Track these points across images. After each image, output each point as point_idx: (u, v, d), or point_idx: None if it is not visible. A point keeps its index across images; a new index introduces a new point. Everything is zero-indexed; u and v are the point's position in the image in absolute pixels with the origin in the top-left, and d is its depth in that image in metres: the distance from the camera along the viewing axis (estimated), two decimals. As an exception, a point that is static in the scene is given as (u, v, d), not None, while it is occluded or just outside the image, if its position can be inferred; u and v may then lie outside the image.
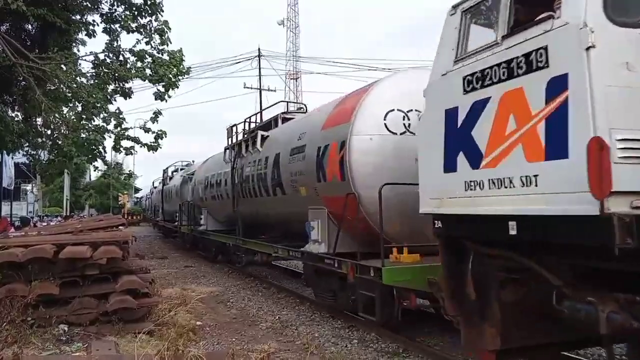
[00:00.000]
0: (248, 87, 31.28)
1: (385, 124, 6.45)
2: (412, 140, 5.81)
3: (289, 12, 47.66)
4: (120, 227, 8.57)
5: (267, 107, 12.56)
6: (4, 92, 11.88)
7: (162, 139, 11.33)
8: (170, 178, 24.49)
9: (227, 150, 12.69)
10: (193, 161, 23.22)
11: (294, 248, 8.39)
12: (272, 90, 32.96)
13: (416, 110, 6.16)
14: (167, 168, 25.80)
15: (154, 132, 11.19)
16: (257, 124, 11.66)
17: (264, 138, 10.26)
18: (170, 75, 10.58)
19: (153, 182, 33.74)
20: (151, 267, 9.93)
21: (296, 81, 46.31)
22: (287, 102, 11.98)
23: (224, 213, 13.48)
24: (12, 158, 19.10)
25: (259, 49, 29.85)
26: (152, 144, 11.29)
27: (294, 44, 46.66)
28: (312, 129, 8.05)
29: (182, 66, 10.84)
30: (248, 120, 12.14)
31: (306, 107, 11.42)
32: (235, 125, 12.67)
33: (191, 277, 12.28)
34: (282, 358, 5.63)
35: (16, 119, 12.40)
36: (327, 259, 6.98)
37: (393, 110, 6.48)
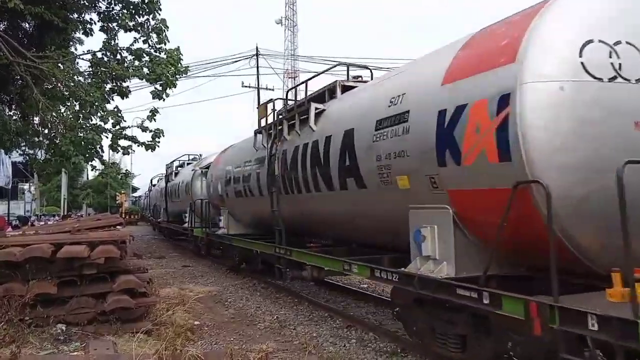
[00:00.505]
0: (246, 86, 31.23)
1: (582, 63, 3.81)
2: (627, 90, 3.80)
3: (287, 11, 47.67)
4: (117, 227, 8.55)
5: (320, 73, 8.91)
6: (1, 91, 11.87)
7: (159, 138, 11.31)
8: (176, 174, 22.07)
9: (259, 135, 9.81)
10: (200, 155, 21.35)
11: (385, 268, 5.60)
12: (270, 89, 32.92)
13: (628, 42, 3.93)
14: (171, 163, 23.62)
15: (151, 131, 11.18)
16: (307, 95, 8.30)
17: (318, 113, 7.57)
18: (168, 74, 10.57)
19: (151, 180, 33.09)
20: (149, 266, 9.92)
21: (294, 80, 46.31)
22: (348, 64, 8.49)
23: (253, 213, 11.08)
24: (10, 157, 19.05)
25: (256, 48, 29.81)
26: (150, 142, 11.28)
27: (292, 42, 46.68)
28: (418, 87, 5.29)
29: (179, 65, 10.82)
30: (291, 93, 9.30)
31: (372, 72, 8.30)
32: (271, 100, 9.44)
33: (189, 276, 12.26)
34: (281, 358, 5.62)
35: (13, 117, 12.37)
36: (464, 289, 4.24)
37: (592, 41, 3.89)
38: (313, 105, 7.58)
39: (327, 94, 7.96)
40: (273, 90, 33.41)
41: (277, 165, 8.58)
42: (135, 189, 60.38)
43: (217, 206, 13.58)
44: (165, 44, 10.88)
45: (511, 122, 3.84)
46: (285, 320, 7.49)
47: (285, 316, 7.77)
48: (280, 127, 8.66)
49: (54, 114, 10.53)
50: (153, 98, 10.95)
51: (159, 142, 11.36)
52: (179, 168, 22.49)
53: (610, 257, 3.48)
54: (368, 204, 6.16)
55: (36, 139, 12.32)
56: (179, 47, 10.93)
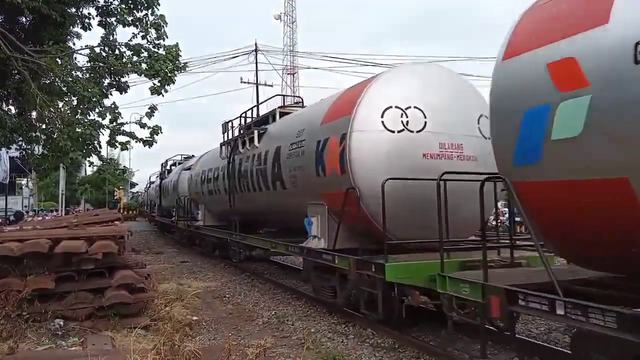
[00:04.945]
0: (245, 82, 31.18)
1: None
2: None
3: (286, 7, 47.51)
4: (115, 222, 8.53)
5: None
6: (-1, 86, 11.79)
7: (157, 135, 11.27)
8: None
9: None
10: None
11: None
12: (269, 85, 32.89)
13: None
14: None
15: (149, 128, 11.14)
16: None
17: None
18: (167, 70, 10.52)
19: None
20: (147, 262, 9.92)
21: (293, 76, 46.24)
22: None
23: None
24: (7, 152, 18.98)
25: (255, 44, 29.74)
26: (148, 139, 11.24)
27: (291, 38, 46.55)
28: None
29: (178, 61, 10.77)
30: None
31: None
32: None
33: (187, 272, 12.27)
34: (279, 353, 5.63)
35: (9, 113, 12.30)
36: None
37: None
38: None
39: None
40: (272, 86, 33.44)
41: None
42: (133, 185, 60.33)
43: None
44: (164, 40, 10.83)
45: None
46: (284, 315, 7.51)
47: (284, 312, 7.78)
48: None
49: (51, 109, 10.48)
50: (152, 94, 10.90)
51: (156, 139, 11.32)
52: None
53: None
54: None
55: (33, 134, 12.27)
56: (177, 43, 10.87)
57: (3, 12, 10.58)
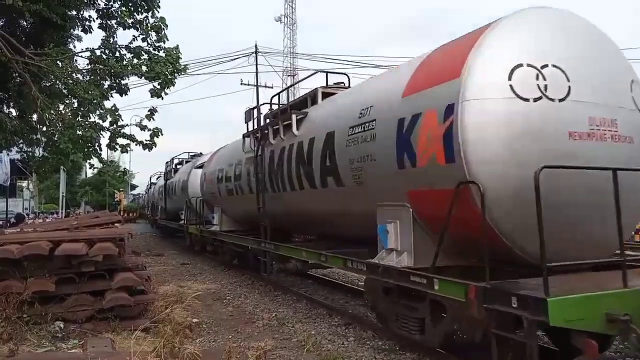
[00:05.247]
0: (245, 84, 31.21)
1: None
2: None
3: (287, 9, 47.59)
4: (116, 224, 8.55)
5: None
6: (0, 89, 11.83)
7: (157, 137, 11.28)
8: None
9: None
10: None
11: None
12: (269, 87, 32.92)
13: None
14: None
15: (149, 130, 11.16)
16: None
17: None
18: (167, 73, 10.55)
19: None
20: (147, 264, 9.93)
21: (293, 78, 46.25)
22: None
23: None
24: (8, 154, 19.01)
25: (255, 45, 29.80)
26: (148, 142, 11.25)
27: (291, 40, 46.61)
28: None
29: (178, 64, 10.80)
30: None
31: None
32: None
33: (187, 274, 12.27)
34: (279, 355, 5.63)
35: (10, 115, 12.34)
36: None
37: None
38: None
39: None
40: (272, 87, 33.45)
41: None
42: (134, 187, 60.38)
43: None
44: (164, 42, 10.86)
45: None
46: (284, 317, 7.50)
47: (284, 314, 7.78)
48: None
49: (52, 111, 10.51)
50: (152, 96, 10.93)
51: (156, 141, 11.34)
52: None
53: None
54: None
55: (34, 137, 12.30)
56: (177, 45, 10.91)
57: (4, 15, 10.61)
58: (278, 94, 9.82)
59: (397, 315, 5.55)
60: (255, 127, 10.17)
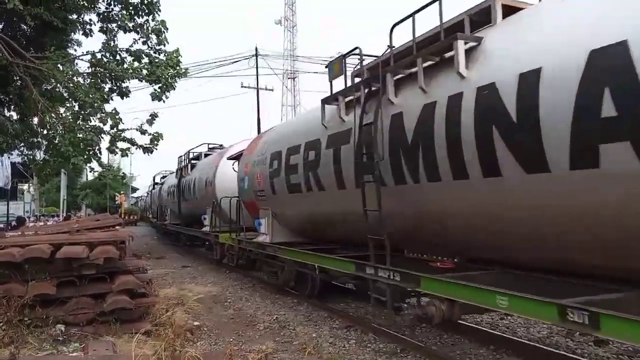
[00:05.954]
0: (245, 87, 31.23)
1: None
2: None
3: (287, 11, 47.64)
4: (116, 227, 8.55)
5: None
6: (0, 92, 11.85)
7: (158, 142, 11.30)
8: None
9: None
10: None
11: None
12: (269, 90, 32.96)
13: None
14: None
15: (150, 134, 11.17)
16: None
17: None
18: (167, 76, 10.57)
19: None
20: (148, 267, 9.90)
21: (293, 80, 46.32)
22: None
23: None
24: (9, 157, 19.04)
25: (256, 48, 29.83)
26: (148, 146, 11.26)
27: (292, 43, 46.65)
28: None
29: (179, 67, 10.82)
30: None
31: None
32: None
33: (188, 277, 12.26)
34: (280, 358, 5.63)
35: (11, 119, 12.37)
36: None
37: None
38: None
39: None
40: (273, 90, 33.50)
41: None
42: (134, 189, 60.40)
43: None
44: (165, 45, 10.88)
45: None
46: (285, 320, 7.50)
47: (285, 317, 7.77)
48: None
49: (53, 114, 10.53)
50: (152, 100, 10.94)
51: (157, 145, 11.34)
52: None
53: None
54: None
55: (35, 140, 12.32)
56: (178, 48, 10.93)
57: (5, 18, 10.64)
58: (402, 20, 5.55)
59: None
60: (349, 84, 6.55)
